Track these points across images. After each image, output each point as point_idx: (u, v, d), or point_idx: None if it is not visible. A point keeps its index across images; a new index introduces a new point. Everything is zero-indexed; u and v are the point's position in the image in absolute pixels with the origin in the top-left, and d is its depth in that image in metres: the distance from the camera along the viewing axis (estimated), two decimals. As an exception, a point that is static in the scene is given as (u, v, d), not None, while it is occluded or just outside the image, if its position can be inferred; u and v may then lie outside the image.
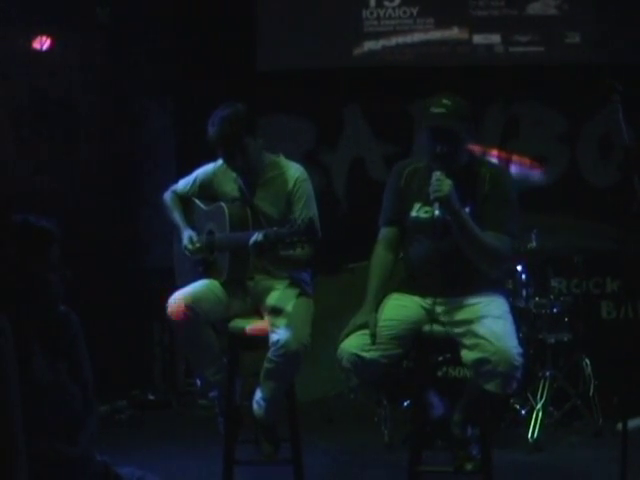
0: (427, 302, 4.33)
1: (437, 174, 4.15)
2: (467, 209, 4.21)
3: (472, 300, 4.27)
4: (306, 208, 4.66)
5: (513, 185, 4.40)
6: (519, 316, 5.38)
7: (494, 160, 6.08)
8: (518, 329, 4.51)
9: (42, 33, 6.76)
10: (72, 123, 6.92)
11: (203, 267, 4.81)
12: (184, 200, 4.98)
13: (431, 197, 4.14)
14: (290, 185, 4.71)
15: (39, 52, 6.76)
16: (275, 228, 4.34)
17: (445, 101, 4.23)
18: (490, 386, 4.08)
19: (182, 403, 6.91)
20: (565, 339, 5.95)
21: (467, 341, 4.17)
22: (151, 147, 7.26)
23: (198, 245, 4.77)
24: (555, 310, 5.96)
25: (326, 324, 4.89)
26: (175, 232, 4.99)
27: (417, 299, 4.34)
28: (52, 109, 6.81)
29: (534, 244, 5.87)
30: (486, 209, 4.24)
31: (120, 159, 7.10)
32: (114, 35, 6.98)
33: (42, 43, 6.76)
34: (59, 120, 6.86)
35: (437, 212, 4.14)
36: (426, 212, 4.31)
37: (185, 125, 7.16)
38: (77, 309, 3.38)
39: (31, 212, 3.23)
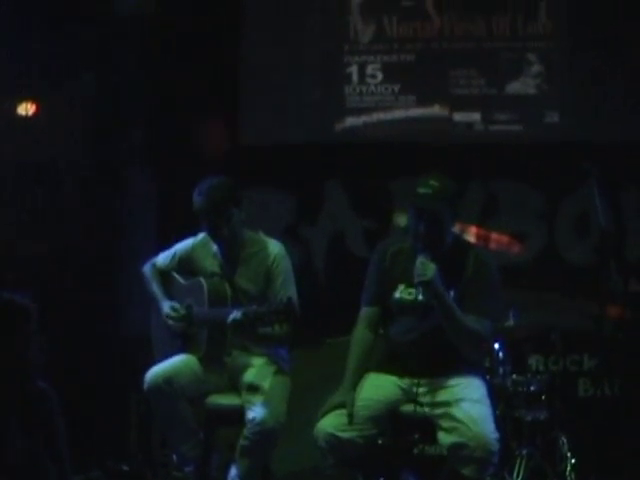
0: (405, 382, 4.35)
1: (421, 258, 4.19)
2: (451, 292, 4.25)
3: (451, 382, 4.29)
4: (284, 286, 4.69)
5: (496, 269, 4.43)
6: (496, 394, 5.37)
7: (478, 243, 6.13)
8: (495, 407, 4.52)
9: (27, 99, 6.79)
10: (55, 189, 6.93)
11: (181, 341, 4.81)
12: (163, 274, 5.00)
13: (415, 281, 4.17)
14: (269, 262, 4.74)
15: (24, 117, 6.79)
16: (254, 306, 4.37)
17: (432, 182, 4.27)
18: (467, 471, 4.09)
19: (157, 475, 6.83)
20: (542, 417, 5.93)
21: (444, 424, 4.19)
22: (132, 215, 7.26)
23: (182, 313, 4.77)
24: (532, 388, 5.94)
25: (303, 398, 4.90)
26: (153, 304, 5.00)
27: (394, 379, 4.36)
28: (35, 174, 6.82)
29: (511, 321, 5.87)
30: (469, 292, 4.28)
31: (101, 226, 7.09)
32: (98, 102, 7.01)
33: (27, 109, 6.79)
34: (42, 185, 6.87)
35: (421, 297, 4.18)
36: (410, 294, 4.33)
37: (167, 194, 7.17)
38: (52, 375, 3.38)
39: (11, 275, 3.24)
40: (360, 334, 4.49)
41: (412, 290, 4.30)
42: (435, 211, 4.24)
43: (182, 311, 4.79)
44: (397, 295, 4.36)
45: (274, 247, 4.80)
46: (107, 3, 6.86)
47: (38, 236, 6.81)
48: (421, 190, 4.27)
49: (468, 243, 4.60)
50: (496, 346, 5.93)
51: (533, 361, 6.10)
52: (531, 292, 6.36)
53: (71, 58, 6.81)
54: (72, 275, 6.83)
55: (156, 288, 4.97)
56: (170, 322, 4.80)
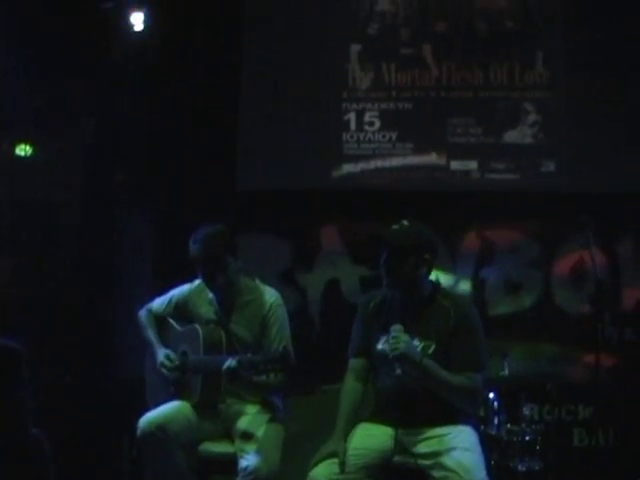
0: (397, 432, 4.32)
1: (395, 328, 4.21)
2: (433, 345, 4.25)
3: (440, 431, 4.27)
4: (280, 334, 4.70)
5: (477, 315, 4.42)
6: (490, 444, 5.36)
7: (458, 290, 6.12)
8: (489, 457, 4.49)
9: (26, 140, 6.83)
10: (50, 232, 6.95)
11: (175, 388, 4.80)
12: (159, 319, 4.99)
13: (389, 357, 4.18)
14: (265, 310, 4.74)
15: (22, 159, 6.82)
16: (249, 355, 4.36)
17: (404, 222, 4.36)
18: (459, 518, 4.06)
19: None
20: (537, 467, 5.89)
21: (436, 473, 4.16)
22: (129, 258, 7.27)
23: (177, 363, 4.76)
24: (527, 437, 5.91)
25: (298, 446, 4.86)
26: (148, 349, 4.99)
27: (386, 429, 4.33)
28: (32, 216, 6.84)
29: (506, 371, 5.87)
30: (453, 346, 4.27)
31: (97, 268, 7.11)
32: (97, 145, 7.05)
33: (25, 150, 6.83)
34: (38, 227, 6.89)
35: (398, 371, 4.16)
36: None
37: (164, 238, 7.19)
38: (45, 418, 3.36)
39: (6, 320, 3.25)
40: (348, 386, 4.49)
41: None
42: (397, 245, 4.29)
43: (176, 362, 4.78)
44: (379, 347, 4.35)
45: (270, 295, 4.81)
46: (107, 50, 6.93)
47: (34, 278, 6.82)
48: (392, 227, 4.36)
49: (446, 292, 4.53)
50: (491, 395, 5.92)
51: (528, 411, 6.05)
52: (526, 341, 6.35)
53: (70, 103, 6.86)
54: (67, 317, 6.83)
55: (151, 334, 4.96)
56: (164, 371, 4.79)
